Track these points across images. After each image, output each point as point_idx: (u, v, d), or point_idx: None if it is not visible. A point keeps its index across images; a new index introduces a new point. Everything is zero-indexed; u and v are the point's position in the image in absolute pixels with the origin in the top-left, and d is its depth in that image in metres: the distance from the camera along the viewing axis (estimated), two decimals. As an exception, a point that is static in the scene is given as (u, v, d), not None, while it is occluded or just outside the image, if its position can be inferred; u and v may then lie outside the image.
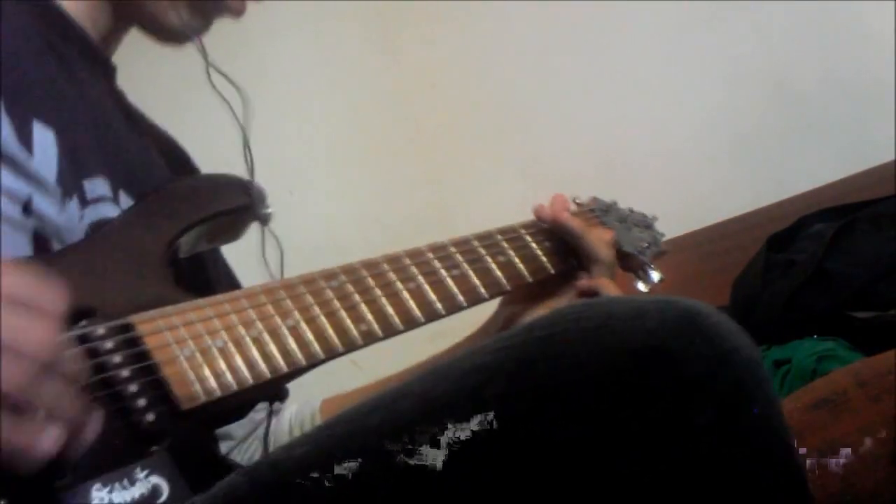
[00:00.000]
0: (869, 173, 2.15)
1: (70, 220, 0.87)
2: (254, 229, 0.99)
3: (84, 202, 0.90)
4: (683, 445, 0.67)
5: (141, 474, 0.70)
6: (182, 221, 0.89)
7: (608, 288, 1.08)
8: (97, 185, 0.92)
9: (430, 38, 2.44)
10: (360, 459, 0.69)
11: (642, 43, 2.38)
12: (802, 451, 1.17)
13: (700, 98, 2.36)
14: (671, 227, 2.13)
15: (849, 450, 1.16)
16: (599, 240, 1.10)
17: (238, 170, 0.98)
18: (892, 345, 1.28)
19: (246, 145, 0.97)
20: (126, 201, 0.94)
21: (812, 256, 1.78)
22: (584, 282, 1.09)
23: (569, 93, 2.39)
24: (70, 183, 0.88)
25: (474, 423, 0.68)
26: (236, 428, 1.05)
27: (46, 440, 0.62)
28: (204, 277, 1.01)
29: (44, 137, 0.86)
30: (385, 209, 2.39)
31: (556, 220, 1.09)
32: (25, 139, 0.84)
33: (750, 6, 2.32)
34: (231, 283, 1.08)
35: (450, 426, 0.68)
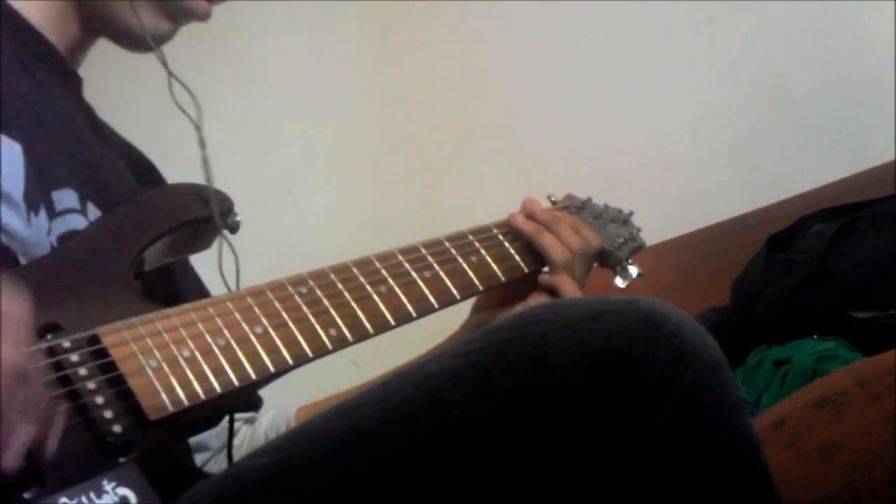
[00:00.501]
0: (869, 173, 2.15)
1: (36, 233, 0.87)
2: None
3: (52, 214, 0.90)
4: (644, 449, 0.67)
5: (108, 486, 0.70)
6: (148, 233, 0.89)
7: (565, 285, 1.06)
8: (65, 197, 0.91)
9: (428, 38, 2.44)
10: (321, 469, 0.69)
11: (642, 43, 2.38)
12: (802, 451, 1.17)
13: (700, 98, 2.36)
14: (671, 227, 2.15)
15: (849, 450, 1.16)
16: (553, 241, 1.08)
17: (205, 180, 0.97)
18: (892, 345, 1.27)
19: (204, 160, 0.96)
20: (94, 213, 0.94)
21: (812, 256, 1.78)
22: (543, 277, 1.08)
23: (567, 93, 2.39)
24: (37, 196, 0.88)
25: (435, 430, 0.68)
26: (213, 439, 1.04)
27: (6, 459, 0.62)
28: (173, 288, 1.01)
29: (10, 151, 0.86)
30: (384, 209, 2.38)
31: (509, 223, 1.09)
32: None
33: (749, 6, 2.32)
34: (200, 292, 1.07)
35: (410, 434, 0.68)
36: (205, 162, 0.95)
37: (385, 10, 2.40)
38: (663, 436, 0.67)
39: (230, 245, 0.95)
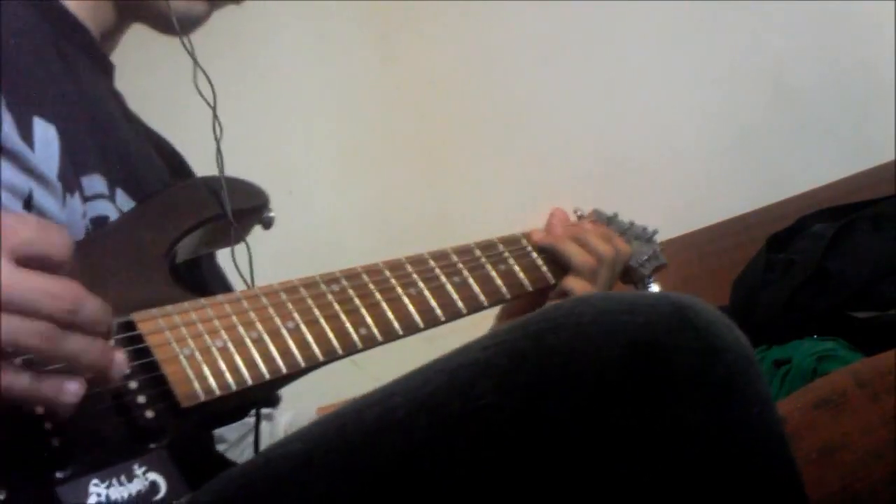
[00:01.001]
0: (869, 173, 2.15)
1: (72, 214, 0.87)
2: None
3: (84, 199, 0.90)
4: (673, 441, 0.67)
5: (139, 470, 0.71)
6: (184, 223, 0.90)
7: (581, 289, 1.07)
8: (94, 183, 0.92)
9: (430, 39, 2.44)
10: (351, 457, 0.69)
11: (642, 43, 2.38)
12: (802, 451, 1.17)
13: (700, 98, 2.36)
14: (671, 227, 2.15)
15: (849, 450, 1.16)
16: (576, 249, 1.09)
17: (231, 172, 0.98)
18: (892, 345, 1.27)
19: (218, 150, 0.97)
20: (123, 199, 0.95)
21: (812, 256, 1.78)
22: (562, 283, 1.08)
23: (569, 93, 2.39)
24: (71, 178, 0.88)
25: (467, 419, 0.68)
26: (229, 431, 1.05)
27: (69, 392, 0.64)
28: (200, 282, 1.01)
29: (45, 133, 0.87)
30: (385, 209, 2.39)
31: (531, 238, 1.10)
32: (26, 134, 0.84)
33: (750, 6, 2.32)
34: (224, 287, 1.08)
35: (441, 423, 0.68)
36: (218, 151, 0.97)
37: (386, 10, 2.40)
38: (693, 428, 0.67)
39: (245, 242, 0.96)
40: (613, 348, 0.67)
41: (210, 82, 0.97)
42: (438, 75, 2.43)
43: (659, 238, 1.27)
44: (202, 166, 1.04)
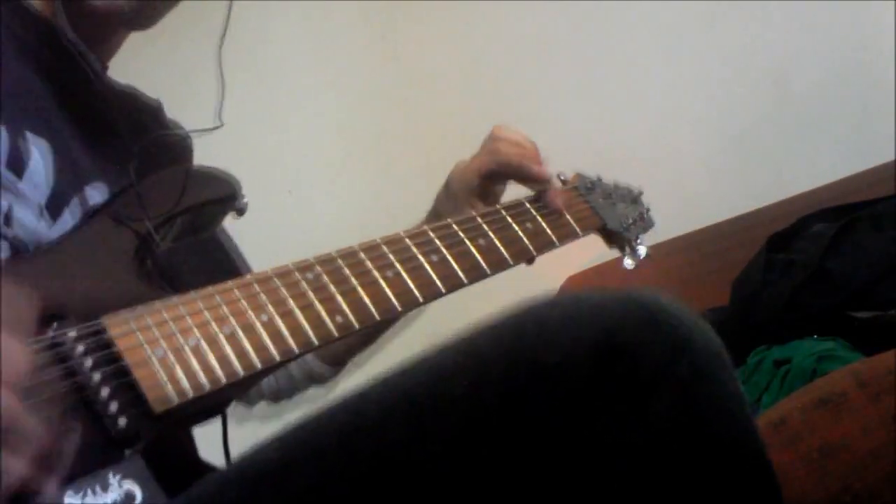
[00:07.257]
0: (869, 173, 2.15)
1: (60, 230, 0.87)
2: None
3: (87, 209, 0.90)
4: (641, 438, 0.67)
5: (114, 480, 0.69)
6: (153, 217, 0.88)
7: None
8: (98, 191, 0.92)
9: (430, 39, 2.44)
10: (324, 462, 0.69)
11: (642, 42, 2.38)
12: (802, 451, 1.17)
13: (700, 97, 2.36)
14: (671, 227, 2.14)
15: (849, 450, 1.16)
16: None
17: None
18: (892, 345, 1.27)
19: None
20: None
21: (812, 256, 1.78)
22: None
23: (568, 91, 2.39)
24: (69, 191, 0.88)
25: (438, 423, 0.68)
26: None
27: (10, 474, 0.61)
28: (198, 267, 1.00)
29: (40, 149, 0.86)
30: (384, 207, 2.38)
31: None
32: (19, 150, 0.84)
33: (750, 5, 2.32)
34: (244, 266, 1.07)
35: (413, 426, 0.68)
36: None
37: (386, 10, 2.40)
38: (661, 425, 0.67)
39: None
40: (579, 350, 0.68)
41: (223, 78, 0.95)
42: (438, 74, 2.43)
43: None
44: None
